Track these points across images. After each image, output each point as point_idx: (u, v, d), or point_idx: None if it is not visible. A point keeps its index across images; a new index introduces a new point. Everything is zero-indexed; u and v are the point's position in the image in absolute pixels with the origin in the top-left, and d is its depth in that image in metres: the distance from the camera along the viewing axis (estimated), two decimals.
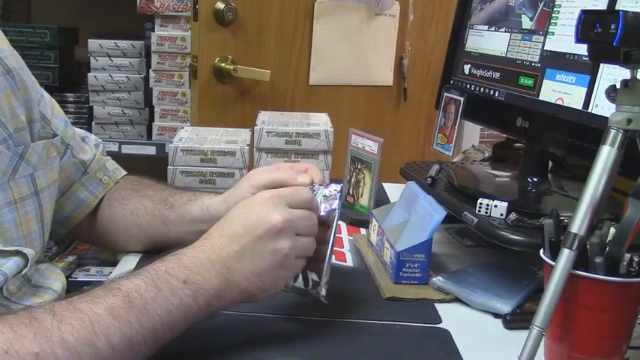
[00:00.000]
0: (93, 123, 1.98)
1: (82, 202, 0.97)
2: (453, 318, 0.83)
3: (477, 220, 0.89)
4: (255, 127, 1.23)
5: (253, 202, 0.74)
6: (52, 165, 0.86)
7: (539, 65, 0.97)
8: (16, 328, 0.58)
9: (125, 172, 1.03)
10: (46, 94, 0.93)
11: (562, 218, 0.69)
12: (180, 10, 1.91)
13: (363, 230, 1.13)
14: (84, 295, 0.63)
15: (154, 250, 0.96)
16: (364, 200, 1.18)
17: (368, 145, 1.16)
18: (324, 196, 0.80)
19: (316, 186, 0.82)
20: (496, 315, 0.84)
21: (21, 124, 0.81)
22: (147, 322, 0.63)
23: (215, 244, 0.71)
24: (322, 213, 0.79)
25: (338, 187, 0.82)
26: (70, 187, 0.97)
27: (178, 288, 0.66)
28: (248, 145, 1.22)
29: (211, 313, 0.70)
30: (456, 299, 0.88)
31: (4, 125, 0.78)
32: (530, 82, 0.99)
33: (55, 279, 0.90)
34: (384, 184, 1.40)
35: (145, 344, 0.63)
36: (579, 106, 0.88)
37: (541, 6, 0.98)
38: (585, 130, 0.85)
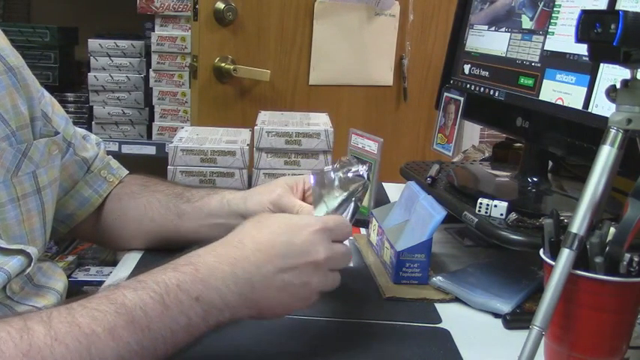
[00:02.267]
0: (93, 123, 1.98)
1: (86, 201, 0.97)
2: (453, 318, 0.83)
3: (477, 220, 0.89)
4: (255, 127, 1.23)
5: (300, 226, 0.69)
6: (54, 163, 0.86)
7: (539, 65, 0.97)
8: (2, 346, 0.53)
9: (127, 172, 1.03)
10: (46, 93, 0.93)
11: (562, 218, 0.69)
12: (180, 10, 1.91)
13: (363, 230, 1.13)
14: (84, 304, 0.58)
15: (156, 248, 0.96)
16: (364, 200, 1.18)
17: (368, 145, 1.16)
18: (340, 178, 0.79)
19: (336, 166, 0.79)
20: (496, 315, 0.84)
21: (24, 122, 0.81)
22: (148, 343, 0.58)
23: (248, 257, 0.66)
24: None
25: (364, 167, 0.80)
26: (74, 186, 0.96)
27: (188, 307, 0.61)
28: (248, 145, 1.22)
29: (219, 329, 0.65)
30: (456, 299, 0.88)
31: (7, 122, 0.78)
32: (530, 82, 0.99)
33: (57, 279, 0.90)
34: (384, 184, 1.40)
35: None
36: (579, 106, 0.88)
37: (541, 6, 0.98)
38: (585, 130, 0.85)
